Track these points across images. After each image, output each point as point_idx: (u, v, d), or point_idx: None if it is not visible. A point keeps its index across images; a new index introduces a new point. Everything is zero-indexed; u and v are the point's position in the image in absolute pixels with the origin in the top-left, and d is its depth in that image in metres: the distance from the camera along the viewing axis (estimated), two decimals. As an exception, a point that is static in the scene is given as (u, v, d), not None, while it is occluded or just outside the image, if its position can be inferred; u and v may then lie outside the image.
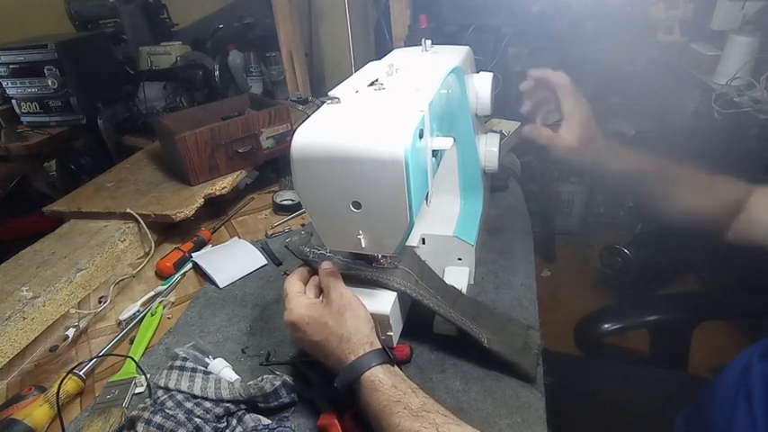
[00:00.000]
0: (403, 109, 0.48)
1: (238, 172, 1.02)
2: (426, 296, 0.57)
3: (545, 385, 0.56)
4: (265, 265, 0.83)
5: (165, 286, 0.80)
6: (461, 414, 0.46)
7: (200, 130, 0.94)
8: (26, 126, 1.54)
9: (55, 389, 0.59)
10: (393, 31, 1.34)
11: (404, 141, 0.43)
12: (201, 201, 0.93)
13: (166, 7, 1.81)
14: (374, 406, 0.46)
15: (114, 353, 0.68)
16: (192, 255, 0.86)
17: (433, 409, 0.45)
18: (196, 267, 0.84)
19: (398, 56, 0.67)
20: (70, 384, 0.61)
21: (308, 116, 0.49)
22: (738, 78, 1.41)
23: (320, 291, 0.57)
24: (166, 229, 0.96)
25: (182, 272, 0.84)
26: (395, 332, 0.58)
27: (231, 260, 0.83)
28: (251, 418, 0.55)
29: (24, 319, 0.69)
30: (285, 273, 0.80)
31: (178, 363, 0.60)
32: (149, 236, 0.89)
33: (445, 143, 0.52)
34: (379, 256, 0.58)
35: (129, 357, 0.64)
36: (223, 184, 0.97)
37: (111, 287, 0.80)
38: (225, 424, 0.54)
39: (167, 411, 0.52)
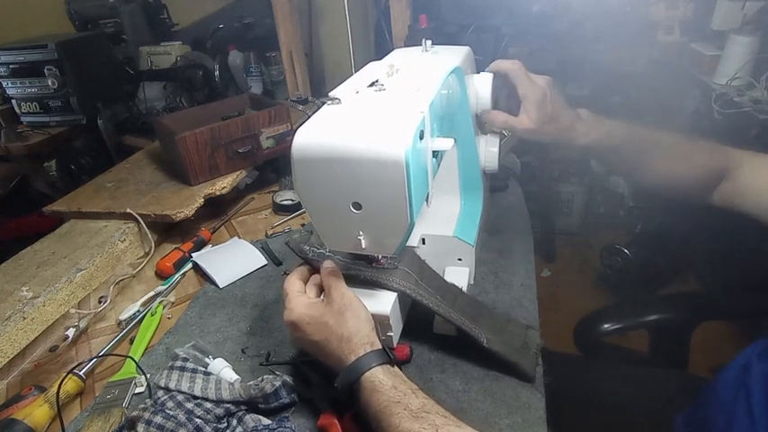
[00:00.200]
0: (403, 110, 0.48)
1: (238, 172, 1.02)
2: (426, 296, 0.57)
3: (545, 385, 0.56)
4: (265, 265, 0.83)
5: (165, 286, 0.80)
6: (461, 414, 0.46)
7: (200, 130, 0.94)
8: (26, 126, 1.54)
9: (55, 389, 0.59)
10: (393, 31, 1.34)
11: (404, 142, 0.43)
12: (201, 201, 0.93)
13: (166, 7, 1.81)
14: (374, 407, 0.46)
15: (114, 353, 0.68)
16: (192, 255, 0.86)
17: (432, 410, 0.45)
18: (196, 267, 0.84)
19: (398, 56, 0.67)
20: (70, 384, 0.61)
21: (309, 116, 0.49)
22: (738, 78, 1.41)
23: (320, 290, 0.57)
24: (166, 229, 0.96)
25: (182, 272, 0.84)
26: (395, 332, 0.58)
27: (231, 260, 0.84)
28: (251, 419, 0.55)
29: (24, 319, 0.69)
30: (285, 273, 0.80)
31: (178, 363, 0.60)
32: (149, 236, 0.89)
33: (446, 144, 0.52)
34: (380, 256, 0.58)
35: (129, 357, 0.64)
36: (223, 184, 0.97)
37: (111, 287, 0.80)
38: (225, 424, 0.54)
39: (168, 412, 0.52)
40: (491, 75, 0.67)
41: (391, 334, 0.57)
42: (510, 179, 0.97)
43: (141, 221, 0.89)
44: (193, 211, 0.90)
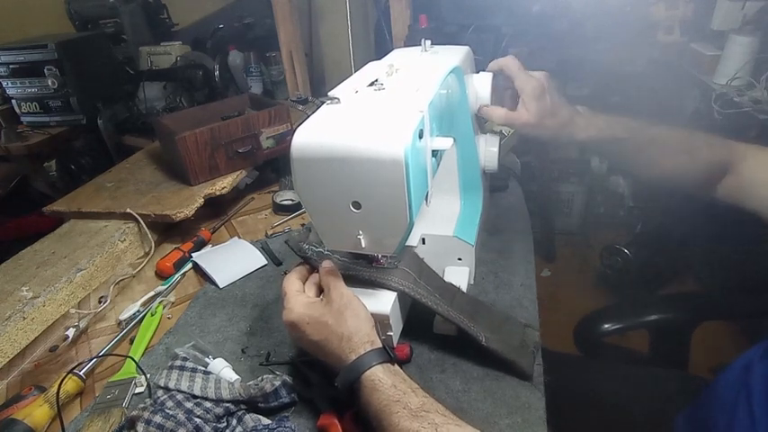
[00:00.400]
0: (403, 109, 0.48)
1: (238, 172, 1.02)
2: (425, 295, 0.57)
3: (545, 385, 0.56)
4: (265, 265, 0.83)
5: (165, 286, 0.80)
6: (461, 414, 0.46)
7: (200, 130, 0.94)
8: (26, 126, 1.54)
9: (55, 389, 0.59)
10: (393, 31, 1.34)
11: (404, 141, 0.43)
12: (201, 201, 0.93)
13: (166, 7, 1.81)
14: (374, 405, 0.46)
15: (114, 353, 0.68)
16: (192, 255, 0.86)
17: (432, 408, 0.45)
18: (196, 267, 0.84)
19: (398, 56, 0.67)
20: (70, 384, 0.61)
21: (308, 116, 0.49)
22: (738, 78, 1.41)
23: (320, 289, 0.57)
24: (166, 229, 0.96)
25: (182, 272, 0.84)
26: (395, 332, 0.58)
27: (231, 260, 0.84)
28: (251, 418, 0.55)
29: (24, 319, 0.69)
30: (285, 273, 0.80)
31: (178, 363, 0.60)
32: (149, 236, 0.89)
33: (445, 143, 0.52)
34: (379, 256, 0.58)
35: (129, 357, 0.64)
36: (223, 184, 0.97)
37: (111, 287, 0.80)
38: (225, 424, 0.54)
39: (167, 411, 0.52)
40: (490, 74, 0.67)
41: (391, 333, 0.57)
42: (510, 179, 0.97)
43: (141, 221, 0.89)
44: (193, 211, 0.90)
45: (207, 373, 0.60)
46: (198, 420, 0.52)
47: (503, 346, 0.57)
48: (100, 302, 0.79)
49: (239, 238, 0.92)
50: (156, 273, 0.85)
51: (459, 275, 0.67)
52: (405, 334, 0.61)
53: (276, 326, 0.69)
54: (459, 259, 0.69)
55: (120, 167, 1.12)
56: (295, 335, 0.54)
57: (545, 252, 2.04)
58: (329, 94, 0.51)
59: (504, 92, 0.68)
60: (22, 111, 1.51)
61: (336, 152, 0.44)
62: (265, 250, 0.86)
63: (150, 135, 1.39)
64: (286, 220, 0.96)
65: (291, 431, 0.52)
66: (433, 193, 0.53)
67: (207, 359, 0.62)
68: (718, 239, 1.60)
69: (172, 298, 0.78)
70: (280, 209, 0.99)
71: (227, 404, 0.55)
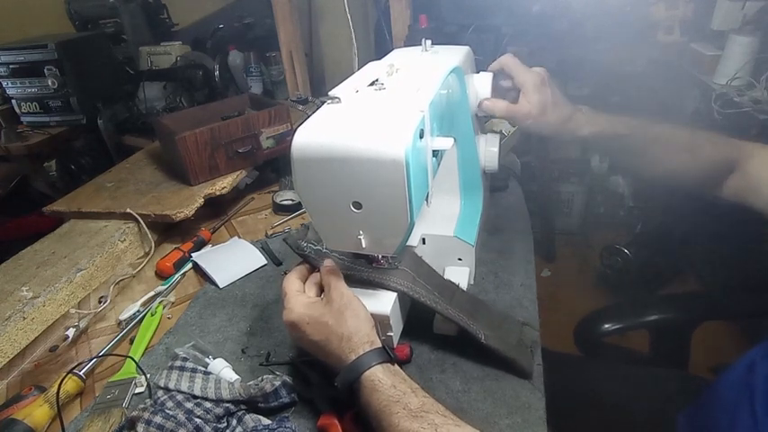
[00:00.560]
0: (403, 109, 0.48)
1: (238, 172, 1.01)
2: (424, 293, 0.57)
3: (545, 385, 0.56)
4: (265, 265, 0.83)
5: (165, 286, 0.80)
6: (461, 414, 0.46)
7: (200, 130, 0.93)
8: (26, 126, 1.54)
9: (55, 389, 0.59)
10: (393, 31, 1.34)
11: (404, 141, 0.43)
12: (201, 201, 0.93)
13: (166, 7, 1.81)
14: (374, 406, 0.46)
15: (114, 353, 0.68)
16: (192, 255, 0.86)
17: (432, 409, 0.45)
18: (196, 267, 0.84)
19: (398, 56, 0.67)
20: (70, 384, 0.61)
21: (309, 116, 0.49)
22: (738, 78, 1.41)
23: (320, 289, 0.57)
24: (166, 229, 0.96)
25: (182, 272, 0.84)
26: (395, 332, 0.58)
27: (231, 260, 0.83)
28: (251, 419, 0.55)
29: (24, 319, 0.69)
30: (285, 272, 0.80)
31: (178, 363, 0.60)
32: (149, 236, 0.89)
33: (445, 143, 0.52)
34: (380, 256, 0.58)
35: (129, 357, 0.64)
36: (223, 184, 0.97)
37: (111, 287, 0.80)
38: (225, 424, 0.54)
39: (167, 411, 0.52)
40: (491, 74, 0.67)
41: (391, 334, 0.57)
42: (510, 179, 0.97)
43: (141, 221, 0.89)
44: (193, 211, 0.90)
45: (207, 373, 0.60)
46: (198, 420, 0.52)
47: (502, 345, 0.57)
48: (100, 302, 0.79)
49: (239, 238, 0.92)
50: (156, 273, 0.85)
51: (459, 275, 0.67)
52: (405, 334, 0.61)
53: (276, 326, 0.69)
54: (460, 259, 0.69)
55: (120, 167, 1.12)
56: (295, 335, 0.54)
57: (545, 252, 2.04)
58: (329, 93, 0.51)
59: (507, 93, 0.68)
60: (22, 111, 1.51)
61: (337, 152, 0.44)
62: (265, 250, 0.86)
63: (150, 135, 1.39)
64: (286, 220, 0.96)
65: (291, 431, 0.52)
66: (433, 192, 0.53)
67: (207, 359, 0.62)
68: (718, 239, 1.60)
69: (172, 298, 0.78)
70: (280, 209, 0.99)
71: (228, 404, 0.55)
